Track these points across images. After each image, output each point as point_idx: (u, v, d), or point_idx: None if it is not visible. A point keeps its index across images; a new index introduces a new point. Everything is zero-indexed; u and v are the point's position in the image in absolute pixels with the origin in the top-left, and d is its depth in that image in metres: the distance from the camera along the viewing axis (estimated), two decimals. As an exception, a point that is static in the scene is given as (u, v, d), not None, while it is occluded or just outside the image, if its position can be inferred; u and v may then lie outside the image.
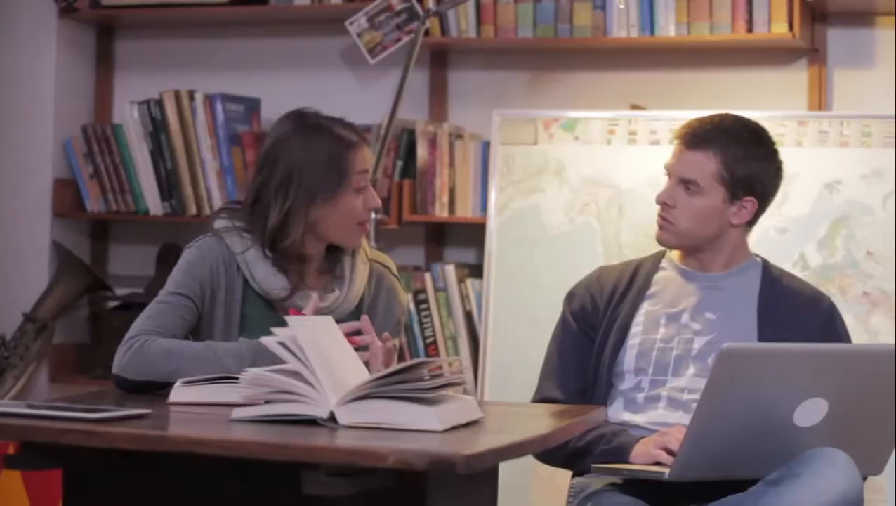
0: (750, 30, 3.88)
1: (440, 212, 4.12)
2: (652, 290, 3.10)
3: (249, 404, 2.37)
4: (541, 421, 2.66)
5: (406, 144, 4.20)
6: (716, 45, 4.01)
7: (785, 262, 3.43)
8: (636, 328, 3.05)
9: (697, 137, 3.04)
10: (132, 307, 4.32)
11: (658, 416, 2.98)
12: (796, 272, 3.33)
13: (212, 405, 2.50)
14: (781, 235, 3.63)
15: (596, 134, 3.84)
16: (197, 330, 2.86)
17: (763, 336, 2.99)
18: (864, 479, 2.71)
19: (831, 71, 3.99)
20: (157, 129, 4.38)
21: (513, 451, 2.27)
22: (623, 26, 3.97)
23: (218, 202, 4.27)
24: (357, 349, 2.60)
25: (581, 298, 3.13)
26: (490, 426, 2.42)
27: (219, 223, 2.93)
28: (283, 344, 2.35)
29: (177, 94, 4.36)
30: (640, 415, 2.99)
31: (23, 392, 4.39)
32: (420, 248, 4.32)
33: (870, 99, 3.93)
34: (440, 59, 4.32)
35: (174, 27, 4.59)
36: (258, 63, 4.51)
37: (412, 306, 4.08)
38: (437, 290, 4.10)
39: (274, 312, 2.87)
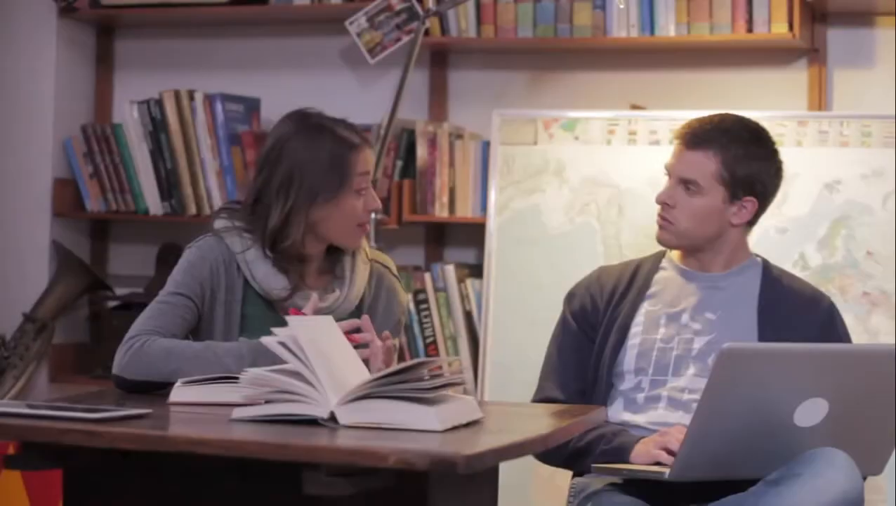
0: (750, 30, 3.88)
1: (440, 212, 4.12)
2: (652, 290, 3.10)
3: (250, 403, 2.37)
4: (541, 421, 2.66)
5: (406, 144, 4.20)
6: (716, 45, 4.01)
7: (785, 262, 3.43)
8: (636, 328, 3.05)
9: (697, 136, 3.04)
10: (132, 307, 4.32)
11: (658, 416, 2.98)
12: (796, 272, 3.33)
13: (212, 405, 2.50)
14: (781, 235, 3.63)
15: (596, 134, 3.84)
16: (197, 330, 2.86)
17: (763, 336, 2.99)
18: (865, 479, 2.71)
19: (831, 71, 3.99)
20: (156, 128, 4.38)
21: (513, 451, 2.27)
22: (623, 26, 3.97)
23: (218, 202, 4.27)
24: (356, 347, 2.60)
25: (581, 298, 3.13)
26: (490, 426, 2.42)
27: (219, 223, 2.93)
28: (283, 344, 2.35)
29: (177, 94, 4.36)
30: (641, 415, 2.99)
31: (23, 392, 4.39)
32: (420, 248, 4.32)
33: (870, 99, 3.93)
34: (440, 59, 4.32)
35: (174, 27, 4.59)
36: (258, 63, 4.51)
37: (412, 306, 4.08)
38: (437, 290, 4.10)
39: (274, 312, 2.87)
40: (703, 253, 3.09)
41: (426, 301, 4.10)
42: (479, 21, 4.10)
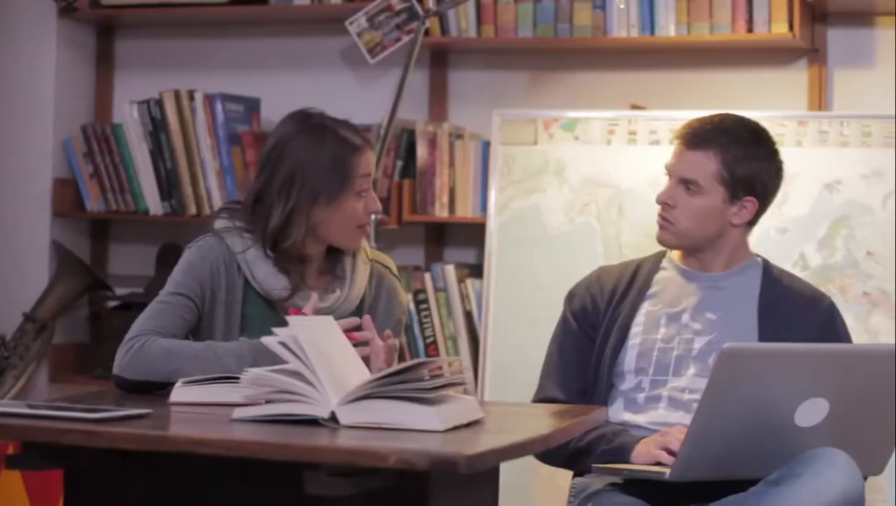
0: (750, 30, 3.88)
1: (440, 212, 4.12)
2: (652, 290, 3.10)
3: (250, 403, 2.37)
4: (541, 421, 2.66)
5: (406, 144, 4.20)
6: (716, 45, 4.01)
7: (785, 262, 3.43)
8: (637, 328, 3.05)
9: (698, 136, 3.04)
10: (132, 307, 4.32)
11: (659, 416, 2.98)
12: (796, 272, 3.33)
13: (212, 405, 2.50)
14: (781, 235, 3.63)
15: (596, 134, 3.84)
16: (197, 330, 2.86)
17: (763, 336, 2.99)
18: (865, 479, 2.71)
19: (831, 71, 3.99)
20: (156, 128, 4.38)
21: (514, 451, 2.27)
22: (623, 26, 3.97)
23: (218, 202, 4.27)
24: (356, 345, 2.60)
25: (581, 298, 3.13)
26: (491, 426, 2.42)
27: (219, 223, 2.92)
28: (283, 344, 2.35)
29: (177, 94, 4.36)
30: (641, 415, 2.99)
31: (23, 392, 4.39)
32: (420, 248, 4.32)
33: (870, 99, 3.93)
34: (440, 59, 4.32)
35: (174, 27, 4.59)
36: (258, 63, 4.51)
37: (412, 306, 4.08)
38: (437, 290, 4.10)
39: (275, 312, 2.87)
40: (703, 253, 3.09)
41: (426, 301, 4.10)
42: (479, 21, 4.10)
